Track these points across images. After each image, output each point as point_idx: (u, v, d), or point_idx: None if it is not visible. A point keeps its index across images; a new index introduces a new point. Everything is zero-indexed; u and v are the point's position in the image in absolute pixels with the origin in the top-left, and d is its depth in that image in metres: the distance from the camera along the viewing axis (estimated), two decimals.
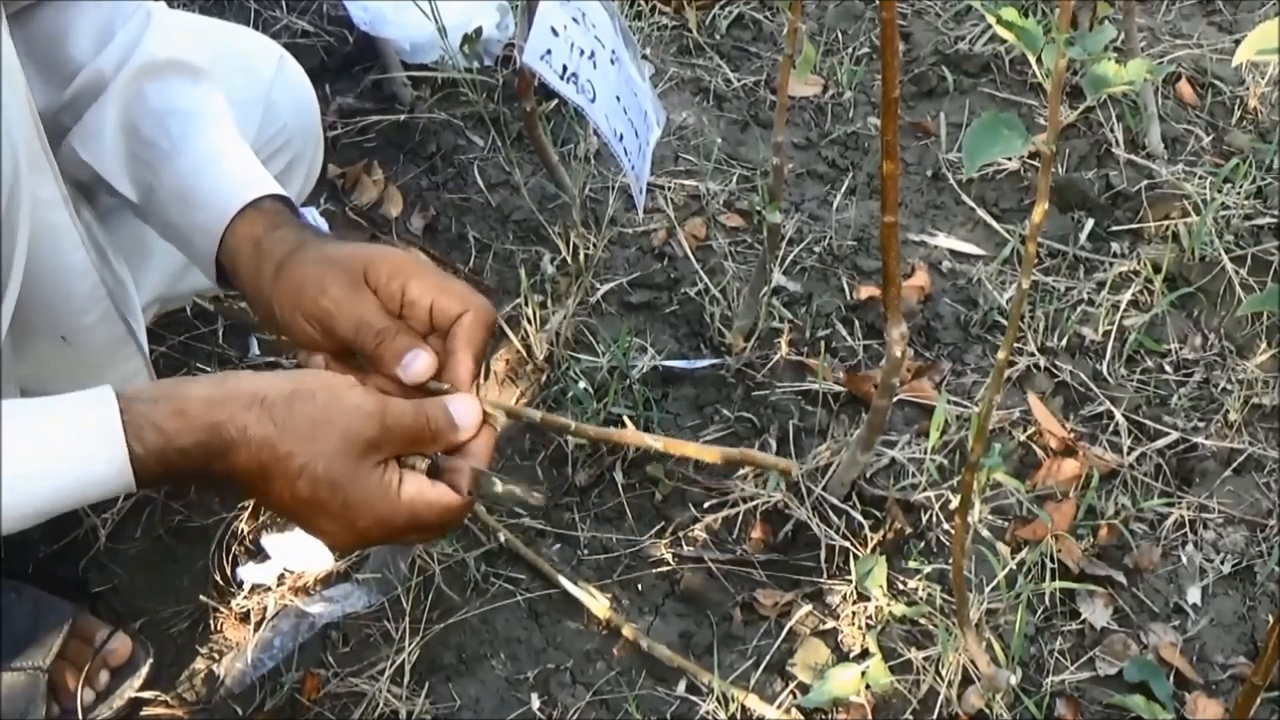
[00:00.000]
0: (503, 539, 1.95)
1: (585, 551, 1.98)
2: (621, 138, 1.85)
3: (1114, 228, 2.48)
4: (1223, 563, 2.02)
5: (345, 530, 1.19)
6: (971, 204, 2.51)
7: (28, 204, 1.25)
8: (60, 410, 1.12)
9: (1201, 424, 2.18)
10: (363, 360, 1.30)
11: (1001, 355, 1.45)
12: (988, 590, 1.91)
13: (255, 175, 1.41)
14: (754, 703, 1.82)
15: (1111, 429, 2.16)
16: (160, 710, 1.80)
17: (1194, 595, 1.99)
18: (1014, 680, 1.82)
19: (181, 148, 1.41)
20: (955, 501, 1.88)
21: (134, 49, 1.44)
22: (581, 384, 2.09)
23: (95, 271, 1.42)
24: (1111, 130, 2.61)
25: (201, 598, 1.89)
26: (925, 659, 1.86)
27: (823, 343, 2.23)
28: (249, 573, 1.90)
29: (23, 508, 1.10)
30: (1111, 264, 2.40)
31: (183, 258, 1.70)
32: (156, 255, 1.69)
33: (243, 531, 1.94)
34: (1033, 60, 1.26)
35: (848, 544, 1.96)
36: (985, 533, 1.98)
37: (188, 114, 1.43)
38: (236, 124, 1.76)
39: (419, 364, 1.27)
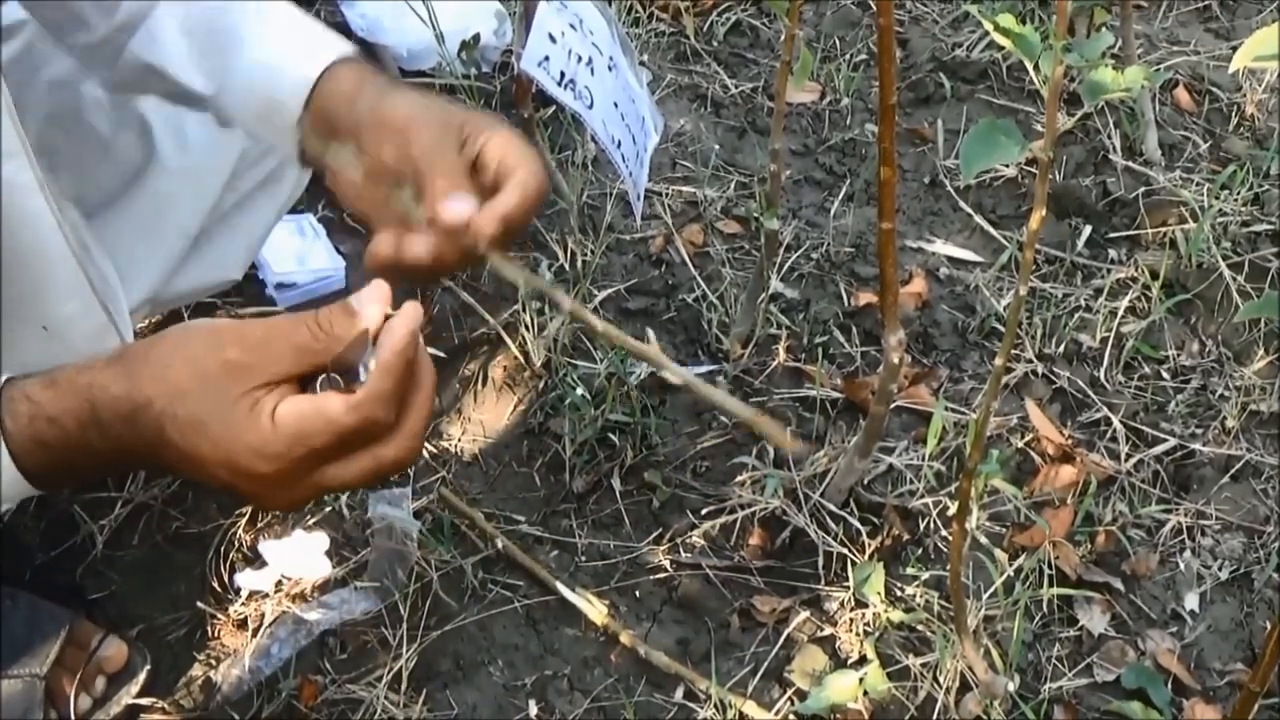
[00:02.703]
0: (500, 546, 1.95)
1: (583, 558, 1.98)
2: (619, 144, 1.86)
3: (1111, 234, 2.48)
4: (1220, 569, 2.02)
5: (239, 478, 1.04)
6: (969, 211, 2.51)
7: (5, 189, 1.25)
8: None
9: (1199, 430, 2.18)
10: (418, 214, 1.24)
11: (999, 362, 1.45)
12: (985, 597, 1.91)
13: (330, 39, 1.39)
14: (752, 709, 1.82)
15: (1109, 435, 2.16)
16: (157, 717, 1.80)
17: (1192, 602, 1.99)
18: (1012, 687, 1.82)
19: (250, 27, 1.39)
20: (953, 508, 1.87)
21: None
22: (579, 390, 2.09)
23: (74, 258, 1.42)
24: (1109, 137, 2.62)
25: (199, 604, 1.89)
26: (923, 665, 1.86)
27: (820, 349, 2.23)
28: (246, 579, 1.90)
29: None
30: (1109, 271, 2.40)
31: (174, 257, 1.70)
32: (145, 256, 1.69)
33: (240, 538, 1.94)
34: (1030, 67, 1.26)
35: (845, 550, 1.96)
36: (983, 539, 1.98)
37: None
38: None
39: (456, 205, 1.19)
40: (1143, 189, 2.52)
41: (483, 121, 1.27)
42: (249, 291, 2.21)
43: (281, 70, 1.35)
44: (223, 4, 1.41)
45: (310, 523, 1.97)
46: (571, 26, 1.82)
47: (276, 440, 1.02)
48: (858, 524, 1.98)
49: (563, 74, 1.82)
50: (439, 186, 1.21)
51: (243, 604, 1.89)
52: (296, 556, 1.92)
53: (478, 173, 1.25)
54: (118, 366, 1.06)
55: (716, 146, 2.59)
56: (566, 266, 2.28)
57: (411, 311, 1.06)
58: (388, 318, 1.06)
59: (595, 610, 1.89)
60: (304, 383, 1.05)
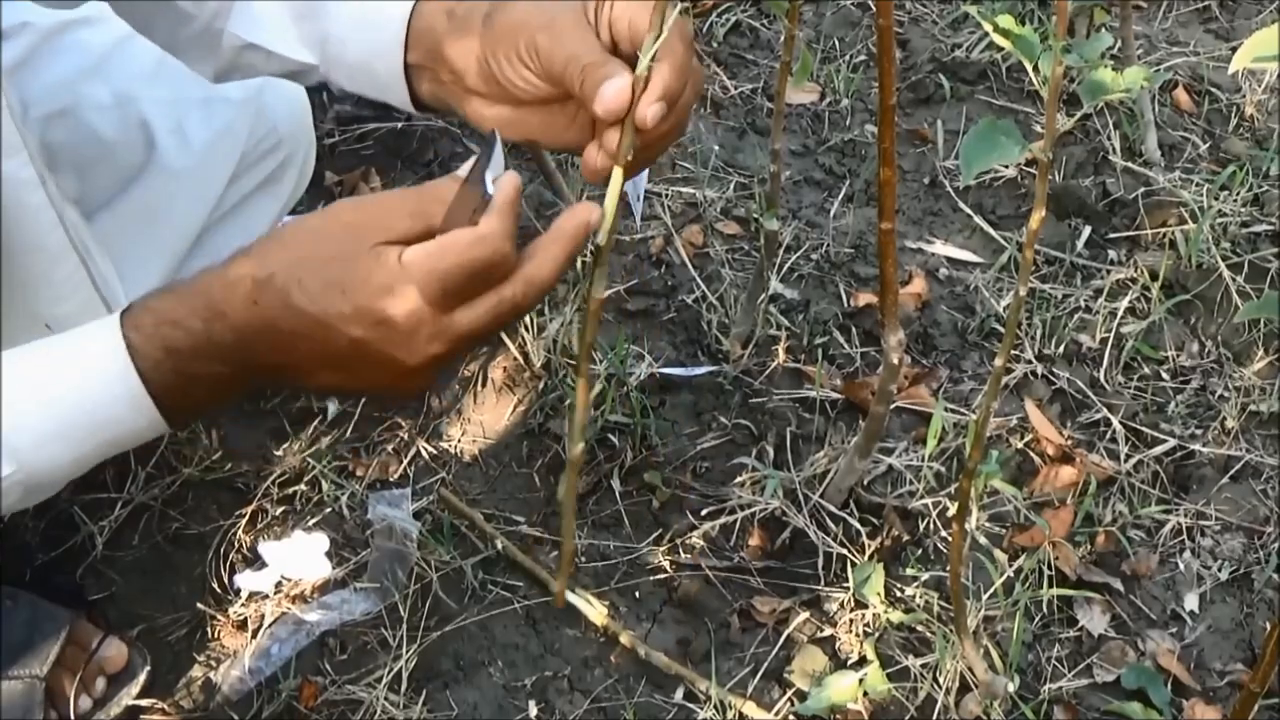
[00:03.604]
0: (500, 546, 1.95)
1: (583, 559, 1.98)
2: None
3: (1111, 235, 2.48)
4: (1220, 570, 2.02)
5: (374, 330, 1.03)
6: (969, 211, 2.51)
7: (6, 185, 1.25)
8: (68, 340, 1.09)
9: (1199, 431, 2.18)
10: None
11: (999, 362, 1.46)
12: (985, 597, 1.91)
13: None
14: (751, 710, 1.82)
15: (1109, 436, 2.16)
16: (157, 717, 1.80)
17: (1191, 602, 1.99)
18: (1011, 687, 1.82)
19: None
20: (953, 508, 1.87)
21: None
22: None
23: (76, 255, 1.42)
24: (1108, 138, 2.62)
25: (199, 605, 1.89)
26: (923, 666, 1.86)
27: (820, 350, 2.23)
28: (246, 580, 1.90)
29: (52, 450, 1.07)
30: (1109, 271, 2.40)
31: (175, 257, 1.69)
32: (147, 256, 1.69)
33: (240, 539, 1.94)
34: (1030, 68, 1.26)
35: (845, 551, 1.96)
36: (983, 540, 1.98)
37: None
38: (228, 128, 1.76)
39: (610, 90, 1.10)
40: (1142, 189, 2.52)
41: None
42: None
43: (374, 18, 1.29)
44: None
45: (310, 523, 1.97)
46: None
47: (406, 277, 1.01)
48: (857, 524, 1.99)
49: None
50: (587, 83, 1.12)
51: (243, 605, 1.89)
52: (296, 557, 1.93)
53: (617, 46, 1.16)
54: (239, 255, 1.05)
55: (716, 147, 2.59)
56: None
57: (514, 174, 1.06)
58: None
59: (595, 611, 1.89)
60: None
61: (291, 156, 1.82)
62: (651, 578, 1.97)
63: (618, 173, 1.11)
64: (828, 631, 1.91)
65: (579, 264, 2.27)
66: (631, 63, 1.13)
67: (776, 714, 1.82)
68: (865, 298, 2.33)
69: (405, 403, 2.09)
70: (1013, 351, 2.23)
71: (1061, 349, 2.27)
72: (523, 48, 1.16)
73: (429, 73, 1.26)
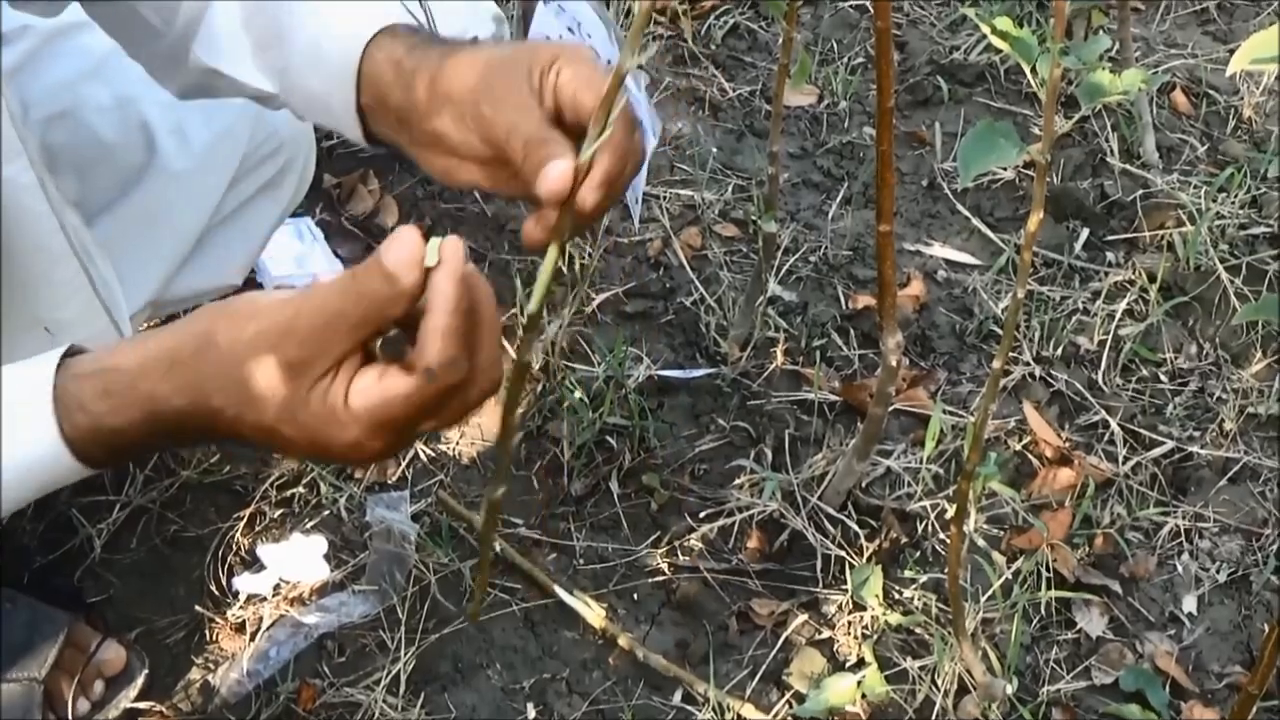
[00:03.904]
0: (499, 548, 1.95)
1: (581, 561, 1.98)
2: None
3: (1109, 237, 2.48)
4: (1218, 572, 2.02)
5: (332, 456, 1.03)
6: (967, 213, 2.51)
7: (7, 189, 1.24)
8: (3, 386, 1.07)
9: (1197, 433, 2.18)
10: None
11: (997, 364, 1.46)
12: (983, 599, 1.91)
13: (377, 10, 1.29)
14: (750, 712, 1.82)
15: (1107, 438, 2.16)
16: None
17: (1190, 604, 1.99)
18: (1010, 689, 1.82)
19: (298, 17, 1.33)
20: (951, 511, 1.87)
21: None
22: (577, 394, 2.09)
23: (76, 259, 1.41)
24: (1106, 140, 2.62)
25: (197, 608, 1.89)
26: (921, 668, 1.86)
27: (818, 352, 2.23)
28: (244, 583, 1.90)
29: None
30: (1107, 273, 2.40)
31: (175, 261, 1.69)
32: (147, 259, 1.69)
33: (239, 542, 1.94)
34: (1028, 70, 1.26)
35: (843, 553, 1.96)
36: (981, 542, 1.98)
37: None
38: (229, 131, 1.76)
39: (553, 174, 1.07)
40: (1140, 191, 2.52)
41: (544, 56, 1.16)
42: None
43: (328, 55, 1.28)
44: None
45: (308, 526, 1.97)
46: (570, 30, 1.82)
47: (358, 427, 1.00)
48: (856, 527, 1.99)
49: None
50: (529, 161, 1.11)
51: (241, 607, 1.89)
52: (294, 560, 1.92)
53: (560, 113, 1.15)
54: (176, 377, 1.03)
55: (714, 149, 2.60)
56: (565, 270, 2.28)
57: (452, 253, 1.01)
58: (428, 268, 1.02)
59: (593, 613, 1.89)
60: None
61: (292, 161, 1.82)
62: (650, 580, 1.97)
63: (552, 250, 1.10)
64: (826, 633, 1.91)
65: (577, 266, 2.27)
66: (571, 133, 1.12)
67: (775, 716, 1.82)
68: (863, 300, 2.33)
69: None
70: (1011, 353, 2.23)
71: (1060, 351, 2.27)
72: (465, 114, 1.16)
73: (379, 115, 1.26)
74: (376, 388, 1.00)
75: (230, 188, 1.78)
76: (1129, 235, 2.48)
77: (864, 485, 2.04)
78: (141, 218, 1.72)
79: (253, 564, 1.93)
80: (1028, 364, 2.25)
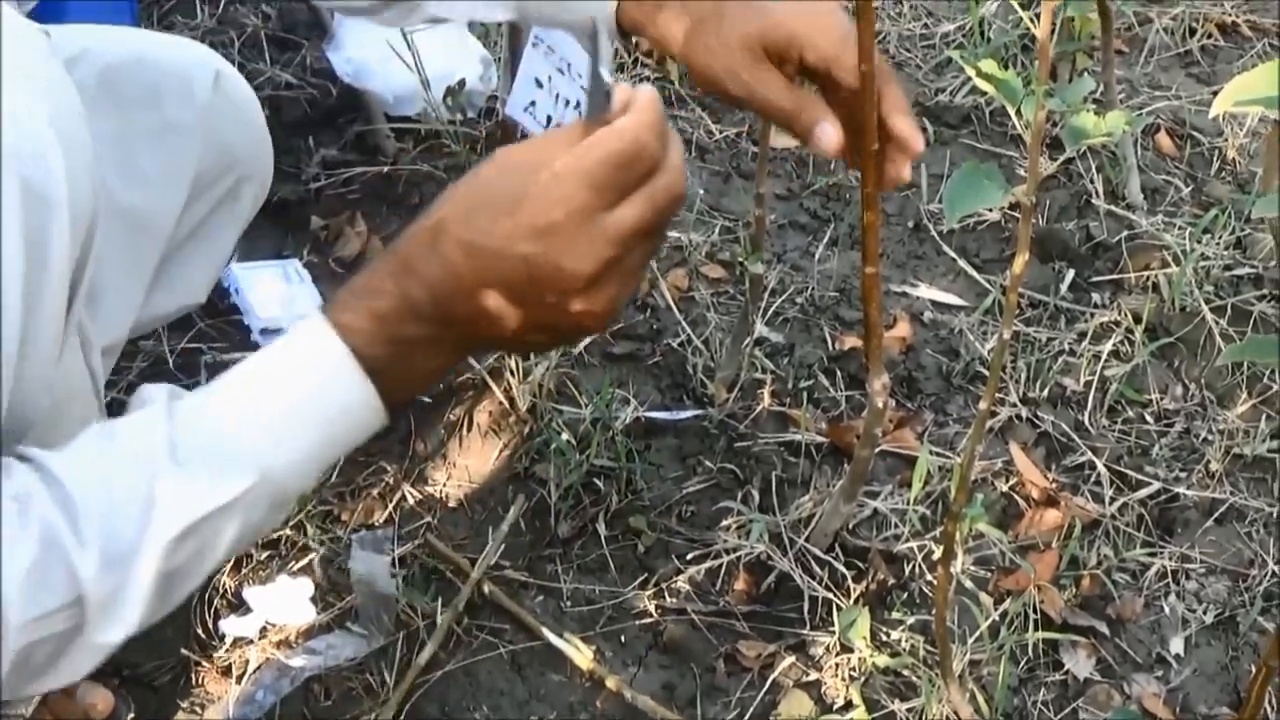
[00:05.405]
0: (486, 590, 1.95)
1: (568, 603, 1.98)
2: None
3: (1094, 278, 2.49)
4: (1205, 613, 2.02)
5: (540, 241, 1.03)
6: (953, 255, 2.52)
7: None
8: (276, 344, 1.09)
9: (1183, 474, 2.18)
10: None
11: (983, 406, 1.46)
12: (971, 641, 1.91)
13: None
14: None
15: (1093, 479, 2.16)
16: None
17: (1177, 645, 1.99)
18: None
19: None
20: (938, 552, 1.88)
21: None
22: (564, 435, 2.09)
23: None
24: (1091, 181, 2.63)
25: (183, 651, 1.88)
26: (909, 710, 1.86)
27: (805, 393, 2.23)
28: (231, 626, 1.90)
29: (302, 455, 1.07)
30: (1092, 314, 2.41)
31: (142, 290, 1.68)
32: (114, 304, 1.65)
33: (225, 584, 1.94)
34: (1012, 112, 1.27)
35: (830, 595, 1.96)
36: (968, 583, 1.98)
37: None
38: (174, 152, 1.73)
39: (826, 139, 1.35)
40: (1125, 233, 2.53)
41: (788, 27, 1.35)
42: (234, 338, 2.21)
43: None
44: None
45: (294, 568, 1.96)
46: (559, 71, 1.83)
47: (557, 182, 1.03)
48: (843, 568, 1.98)
49: (549, 118, 1.83)
50: (784, 118, 1.39)
51: (227, 650, 1.89)
52: (281, 602, 1.92)
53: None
54: (412, 222, 1.08)
55: (701, 191, 2.60)
56: None
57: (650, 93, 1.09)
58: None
59: (581, 655, 1.89)
60: None
61: (248, 175, 1.77)
62: (637, 622, 1.96)
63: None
64: (813, 676, 1.91)
65: None
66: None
67: None
68: (850, 341, 2.33)
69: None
70: (997, 395, 2.23)
71: (1046, 392, 2.28)
72: (727, 86, 1.41)
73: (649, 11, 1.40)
74: (579, 145, 1.04)
75: (185, 208, 1.74)
76: (1114, 276, 2.48)
77: (851, 527, 2.04)
78: (104, 260, 1.69)
79: (239, 607, 1.92)
80: (1014, 405, 2.25)
